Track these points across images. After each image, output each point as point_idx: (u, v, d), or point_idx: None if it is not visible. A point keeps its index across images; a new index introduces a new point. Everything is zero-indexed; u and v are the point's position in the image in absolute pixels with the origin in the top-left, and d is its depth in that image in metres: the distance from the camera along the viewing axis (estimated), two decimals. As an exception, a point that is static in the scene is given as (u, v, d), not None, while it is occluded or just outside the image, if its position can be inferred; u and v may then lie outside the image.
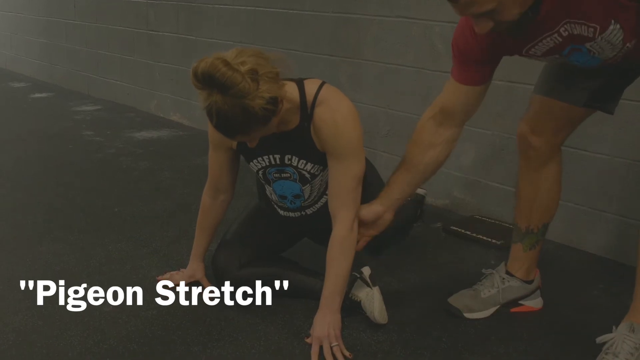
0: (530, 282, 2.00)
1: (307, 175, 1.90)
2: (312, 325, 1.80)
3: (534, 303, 2.02)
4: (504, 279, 1.99)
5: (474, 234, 2.56)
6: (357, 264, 1.86)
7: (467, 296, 1.99)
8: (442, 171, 2.86)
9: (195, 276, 2.11)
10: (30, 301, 2.01)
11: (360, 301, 1.91)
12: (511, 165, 2.61)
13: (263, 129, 1.66)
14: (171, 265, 2.25)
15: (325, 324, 1.77)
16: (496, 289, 1.98)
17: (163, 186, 3.19)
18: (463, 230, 2.60)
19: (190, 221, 2.55)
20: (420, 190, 2.78)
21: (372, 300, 1.88)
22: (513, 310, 2.00)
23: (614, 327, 1.70)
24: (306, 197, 1.96)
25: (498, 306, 1.99)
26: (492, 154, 2.69)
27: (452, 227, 2.64)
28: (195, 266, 2.12)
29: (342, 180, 1.81)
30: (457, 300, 1.99)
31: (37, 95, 5.51)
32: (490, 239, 2.51)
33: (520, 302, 2.01)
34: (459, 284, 2.07)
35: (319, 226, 1.93)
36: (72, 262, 2.29)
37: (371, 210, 1.83)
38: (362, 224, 1.84)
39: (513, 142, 2.56)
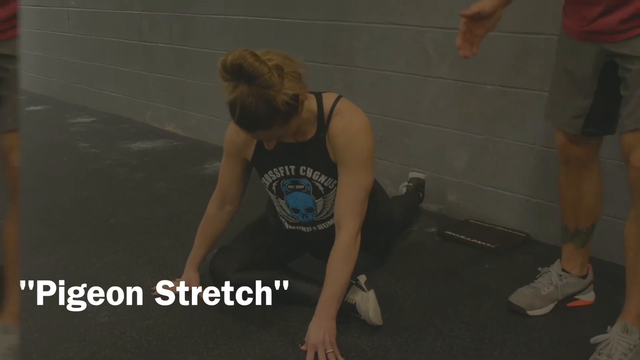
0: (584, 276, 2.04)
1: (321, 188, 1.92)
2: (307, 332, 1.81)
3: (588, 297, 2.07)
4: (560, 275, 2.03)
5: (469, 238, 2.57)
6: (354, 270, 1.86)
7: (528, 295, 2.02)
8: (436, 176, 2.89)
9: (190, 285, 2.10)
10: (26, 313, 2.00)
11: (355, 303, 1.91)
12: (505, 169, 2.62)
13: (283, 127, 1.70)
14: (166, 275, 2.25)
15: (321, 331, 1.77)
16: (554, 286, 2.02)
17: (158, 196, 3.20)
18: (458, 235, 2.61)
19: (186, 230, 2.56)
20: (420, 175, 2.83)
21: (367, 301, 1.89)
22: (569, 305, 2.04)
23: (608, 328, 1.72)
24: (319, 211, 1.98)
25: (556, 302, 2.03)
26: (486, 158, 2.70)
27: (446, 232, 2.64)
28: (190, 275, 2.12)
29: (351, 190, 1.82)
30: (519, 299, 2.02)
31: (33, 108, 5.50)
32: (485, 243, 2.52)
33: (576, 296, 2.05)
34: (453, 289, 2.07)
35: (329, 243, 1.88)
36: (68, 273, 2.29)
37: (489, 2, 1.67)
38: (480, 17, 1.66)
39: (506, 146, 2.59)
